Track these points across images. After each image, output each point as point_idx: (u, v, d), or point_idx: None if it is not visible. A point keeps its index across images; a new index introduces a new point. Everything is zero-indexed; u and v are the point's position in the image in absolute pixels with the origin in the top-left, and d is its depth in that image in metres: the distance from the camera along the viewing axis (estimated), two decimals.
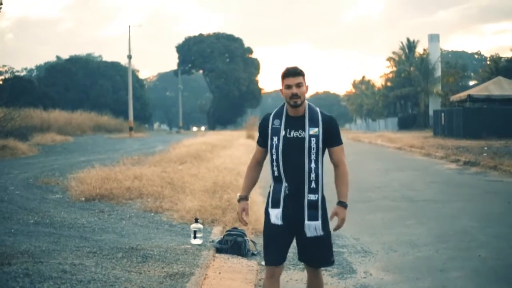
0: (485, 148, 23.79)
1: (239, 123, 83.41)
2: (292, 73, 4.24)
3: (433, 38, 59.41)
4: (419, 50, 64.28)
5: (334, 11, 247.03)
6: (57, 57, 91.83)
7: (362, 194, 12.66)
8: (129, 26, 56.20)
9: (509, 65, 52.69)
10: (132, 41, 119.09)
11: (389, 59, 67.26)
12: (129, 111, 49.74)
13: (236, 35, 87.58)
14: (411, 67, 62.24)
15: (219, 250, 7.19)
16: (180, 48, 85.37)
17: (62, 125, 42.09)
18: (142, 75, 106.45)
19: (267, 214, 4.34)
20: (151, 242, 7.35)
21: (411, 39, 65.25)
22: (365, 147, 32.67)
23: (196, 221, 7.46)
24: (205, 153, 20.11)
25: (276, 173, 4.26)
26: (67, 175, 13.95)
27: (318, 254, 4.36)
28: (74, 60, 76.90)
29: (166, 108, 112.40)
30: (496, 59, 58.48)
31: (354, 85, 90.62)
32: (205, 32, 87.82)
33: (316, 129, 4.23)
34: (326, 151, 4.34)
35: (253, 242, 7.48)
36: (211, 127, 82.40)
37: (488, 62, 66.92)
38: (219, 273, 6.16)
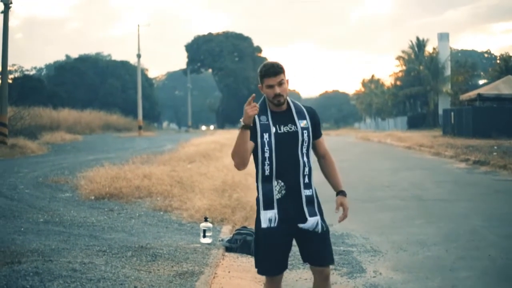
0: (495, 147, 23.68)
1: None
2: (273, 73, 3.97)
3: (443, 37, 59.17)
4: (428, 49, 64.04)
5: (342, 10, 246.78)
6: (67, 56, 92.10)
7: (371, 193, 12.64)
8: (138, 25, 56.97)
9: None
10: (141, 40, 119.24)
11: (399, 58, 67.02)
12: (138, 110, 49.87)
13: (245, 34, 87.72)
14: (421, 66, 62.01)
15: (228, 249, 7.19)
16: (189, 47, 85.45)
17: (71, 124, 42.26)
18: (151, 74, 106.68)
19: (258, 219, 4.04)
20: (161, 241, 7.36)
21: (421, 38, 65.08)
22: (375, 146, 32.60)
23: (206, 220, 7.47)
24: (214, 152, 20.13)
25: (267, 172, 3.97)
26: (76, 174, 14.00)
27: (323, 249, 4.09)
28: (83, 59, 77.19)
29: (175, 107, 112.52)
30: (506, 58, 58.02)
31: (364, 84, 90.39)
32: (213, 31, 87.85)
33: (305, 121, 4.06)
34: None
35: None
36: (220, 126, 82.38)
37: (498, 61, 66.43)
38: (229, 272, 6.17)
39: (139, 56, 52.25)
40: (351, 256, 7.33)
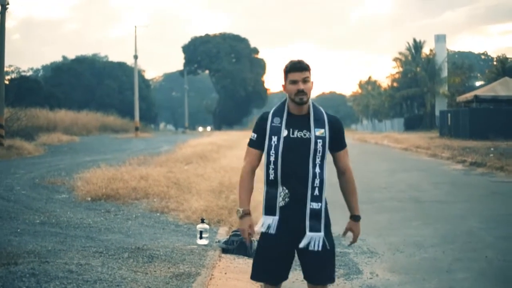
0: (492, 148, 23.73)
1: (245, 124, 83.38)
2: (299, 67, 3.80)
3: (440, 39, 59.29)
4: (425, 50, 64.15)
5: (340, 11, 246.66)
6: (63, 57, 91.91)
7: (368, 194, 12.64)
8: (135, 27, 57.36)
9: None
10: (138, 42, 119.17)
11: (396, 59, 67.09)
12: (135, 111, 49.78)
13: (242, 35, 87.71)
14: (418, 67, 62.14)
15: (225, 251, 7.18)
16: (186, 48, 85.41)
17: (68, 125, 42.20)
18: (148, 76, 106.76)
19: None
20: (157, 242, 7.35)
21: (418, 40, 65.15)
22: (371, 148, 32.63)
23: (202, 221, 7.46)
24: (211, 154, 20.14)
25: (272, 177, 3.82)
26: (73, 175, 13.97)
27: (321, 268, 3.89)
28: (80, 60, 77.09)
29: (172, 108, 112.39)
30: (502, 60, 58.20)
31: (360, 85, 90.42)
32: (211, 32, 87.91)
33: (323, 130, 3.81)
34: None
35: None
36: (217, 127, 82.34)
37: (495, 63, 66.57)
38: (225, 273, 6.16)
39: (136, 57, 52.18)
40: (348, 257, 7.34)
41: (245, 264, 6.68)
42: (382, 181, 15.45)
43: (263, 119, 3.93)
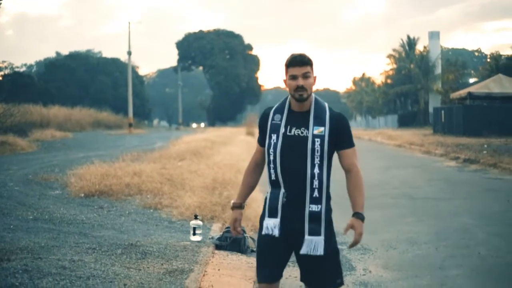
0: (485, 145, 23.79)
1: (239, 120, 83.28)
2: (299, 62, 3.64)
3: (434, 36, 59.38)
4: (419, 47, 64.20)
5: (334, 9, 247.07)
6: (57, 53, 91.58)
7: None
8: (129, 23, 57.24)
9: (509, 63, 52.60)
10: (132, 38, 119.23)
11: (389, 56, 67.18)
12: (128, 108, 49.69)
13: (236, 32, 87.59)
14: (411, 64, 62.17)
15: (218, 247, 7.18)
16: (180, 45, 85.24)
17: (62, 121, 42.05)
18: (141, 72, 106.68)
19: (261, 224, 3.77)
20: (151, 239, 7.34)
21: (412, 36, 65.20)
22: (365, 144, 32.62)
23: (196, 217, 7.46)
24: (204, 150, 20.10)
25: (273, 177, 3.66)
26: (66, 171, 13.93)
27: (320, 273, 3.75)
28: (73, 56, 76.80)
29: (165, 105, 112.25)
30: (496, 57, 58.37)
31: (354, 82, 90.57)
32: (205, 29, 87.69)
33: (322, 128, 3.63)
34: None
35: (252, 239, 7.45)
36: (211, 123, 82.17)
37: (489, 60, 66.82)
38: (218, 269, 6.16)
39: (129, 53, 52.06)
40: (341, 254, 7.29)
41: (239, 260, 6.68)
42: (376, 178, 15.46)
43: (264, 116, 3.82)
